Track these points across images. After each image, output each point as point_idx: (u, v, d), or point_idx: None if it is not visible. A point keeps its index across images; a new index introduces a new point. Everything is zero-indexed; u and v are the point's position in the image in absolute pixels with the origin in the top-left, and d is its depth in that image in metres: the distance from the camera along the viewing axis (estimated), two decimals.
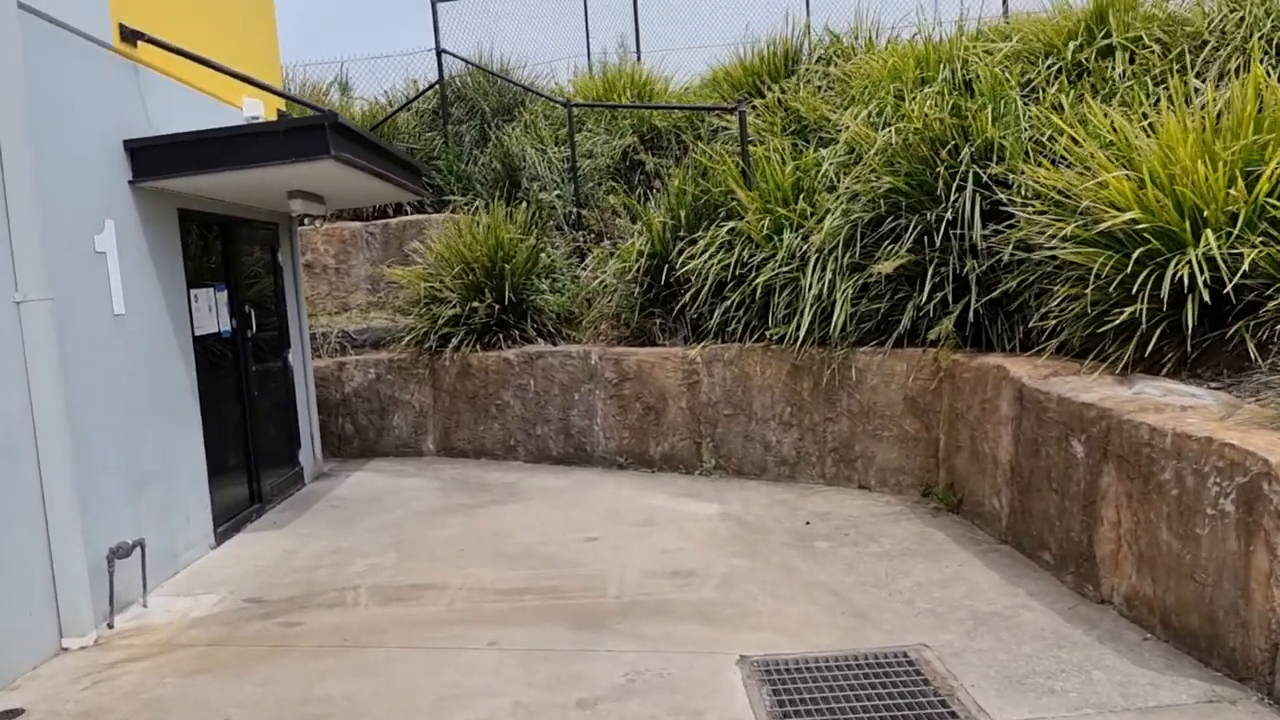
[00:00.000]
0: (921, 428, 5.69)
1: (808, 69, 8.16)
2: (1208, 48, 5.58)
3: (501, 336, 7.70)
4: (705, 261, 6.59)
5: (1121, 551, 3.84)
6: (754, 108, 7.75)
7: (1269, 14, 5.55)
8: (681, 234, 6.93)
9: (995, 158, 5.48)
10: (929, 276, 5.56)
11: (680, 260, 6.78)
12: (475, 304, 7.67)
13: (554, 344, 7.56)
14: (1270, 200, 4.09)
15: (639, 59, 11.25)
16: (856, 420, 5.96)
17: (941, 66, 6.70)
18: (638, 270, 6.99)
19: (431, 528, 5.78)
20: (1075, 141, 5.05)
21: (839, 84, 7.66)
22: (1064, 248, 4.63)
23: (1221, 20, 5.71)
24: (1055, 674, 3.42)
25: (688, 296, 6.71)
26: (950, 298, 5.51)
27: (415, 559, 5.19)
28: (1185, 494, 3.45)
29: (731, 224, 6.63)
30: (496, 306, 7.65)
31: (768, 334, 6.21)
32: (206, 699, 3.61)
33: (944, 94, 6.11)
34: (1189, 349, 4.29)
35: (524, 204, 8.48)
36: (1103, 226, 4.39)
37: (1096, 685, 3.31)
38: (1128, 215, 4.32)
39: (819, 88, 7.90)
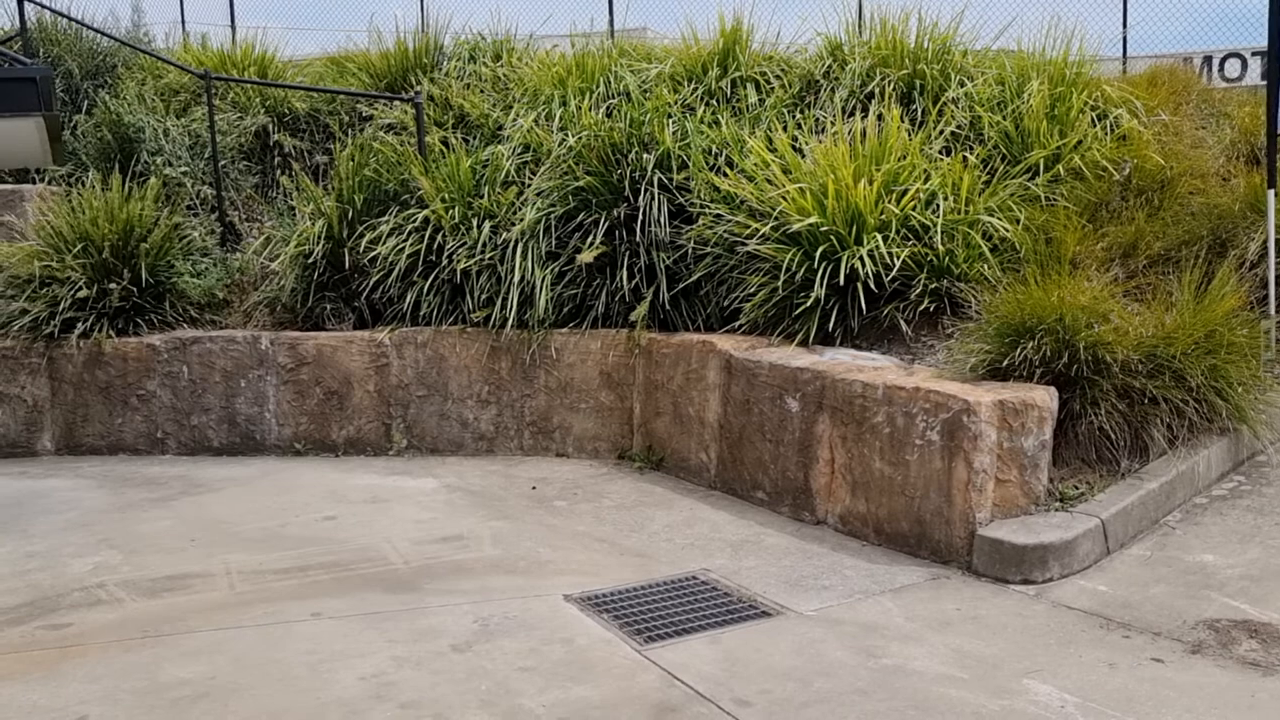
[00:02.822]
0: (616, 399, 6.44)
1: (458, 66, 8.53)
2: (822, 88, 6.99)
3: (141, 321, 7.09)
4: (394, 247, 6.74)
5: (835, 482, 4.91)
6: (430, 100, 7.95)
7: (856, 73, 7.04)
8: (362, 219, 6.98)
9: (677, 165, 6.39)
10: (622, 265, 6.33)
11: (364, 245, 6.84)
12: (110, 285, 6.98)
13: (209, 329, 7.14)
14: (912, 212, 5.44)
15: (233, 34, 10.72)
16: (555, 395, 6.55)
17: (598, 79, 7.52)
18: (317, 254, 6.90)
19: (134, 523, 5.32)
20: (743, 155, 6.14)
21: (493, 85, 8.16)
22: (754, 244, 5.64)
23: (827, 66, 7.18)
24: (819, 575, 4.34)
25: (372, 281, 6.79)
26: (643, 285, 6.32)
27: (145, 554, 4.81)
28: (896, 431, 4.57)
29: (419, 212, 6.84)
30: (134, 290, 7.04)
31: (470, 317, 6.56)
32: (36, 703, 3.24)
33: (621, 106, 6.92)
34: (854, 326, 5.51)
35: (148, 180, 7.81)
36: (794, 228, 5.47)
37: (851, 579, 4.29)
38: (812, 220, 5.45)
39: (467, 86, 8.31)
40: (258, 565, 4.60)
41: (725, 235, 5.93)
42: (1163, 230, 5.67)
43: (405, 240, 6.75)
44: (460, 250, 6.62)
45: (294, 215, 7.51)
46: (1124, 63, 9.79)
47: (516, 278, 6.41)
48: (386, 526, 5.18)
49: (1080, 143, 6.23)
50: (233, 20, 10.71)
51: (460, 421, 6.72)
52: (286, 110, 8.62)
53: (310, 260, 6.92)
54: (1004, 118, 6.36)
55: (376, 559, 4.68)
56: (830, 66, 7.23)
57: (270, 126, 8.51)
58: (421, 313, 6.75)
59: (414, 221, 6.81)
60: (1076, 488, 4.47)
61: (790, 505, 5.16)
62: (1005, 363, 4.63)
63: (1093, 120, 6.52)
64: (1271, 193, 5.38)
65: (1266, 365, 5.09)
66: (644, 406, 6.30)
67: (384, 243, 6.77)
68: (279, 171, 8.32)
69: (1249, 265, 5.43)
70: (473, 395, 6.68)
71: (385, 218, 6.93)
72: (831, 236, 5.46)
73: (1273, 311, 5.35)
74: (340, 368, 6.81)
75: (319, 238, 6.96)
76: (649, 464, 6.17)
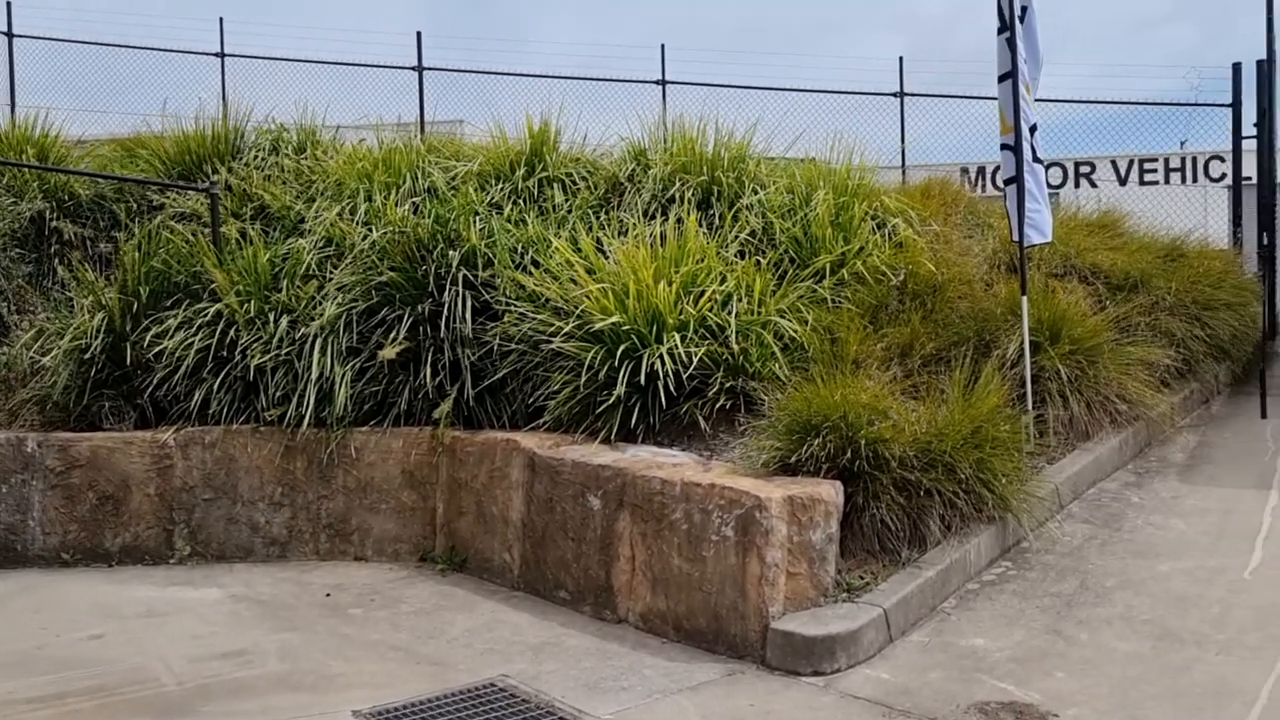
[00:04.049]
0: (419, 499, 6.28)
1: (260, 156, 8.33)
2: (626, 191, 7.23)
3: None
4: (182, 342, 6.43)
5: (636, 579, 4.93)
6: (228, 189, 7.69)
7: (658, 177, 7.33)
8: (148, 312, 6.64)
9: (483, 263, 6.43)
10: (426, 362, 6.26)
11: (149, 340, 6.49)
12: None
13: None
14: (709, 313, 5.66)
15: (12, 112, 10.12)
16: (354, 496, 6.33)
17: (404, 175, 7.53)
18: (96, 349, 6.49)
19: None
20: (548, 254, 6.26)
21: (296, 176, 8.01)
22: (559, 343, 5.71)
23: (631, 170, 7.45)
24: (618, 676, 4.33)
25: (157, 378, 6.44)
26: (447, 382, 6.26)
27: None
28: (694, 528, 4.66)
29: (211, 305, 6.57)
30: None
31: (264, 415, 6.29)
32: None
33: (428, 203, 6.93)
34: (654, 423, 5.63)
35: None
36: (597, 327, 5.57)
37: (650, 679, 4.29)
38: (614, 319, 5.58)
39: (268, 176, 8.13)
40: (6, 694, 4.17)
41: (530, 333, 5.97)
42: (935, 332, 6.10)
43: (195, 335, 6.45)
44: (255, 345, 6.38)
45: (71, 307, 7.05)
46: (903, 173, 10.62)
47: (315, 374, 6.22)
48: (162, 644, 4.82)
49: (862, 249, 6.67)
50: (12, 99, 10.11)
51: (250, 526, 6.38)
52: (68, 195, 8.16)
53: (88, 355, 6.50)
54: (794, 224, 6.74)
55: (148, 680, 4.34)
56: (634, 170, 7.49)
57: (48, 212, 8.02)
58: (211, 411, 6.42)
59: (205, 315, 6.53)
60: (862, 578, 4.67)
61: (592, 604, 5.14)
62: (795, 459, 4.83)
63: (874, 228, 7.01)
64: (1024, 298, 5.91)
65: (1027, 457, 5.51)
66: (447, 506, 6.18)
67: (171, 337, 6.45)
68: (57, 260, 7.82)
69: (1010, 364, 5.90)
70: (265, 498, 6.37)
71: (174, 311, 6.62)
72: (633, 335, 5.59)
73: (1030, 407, 5.82)
74: (117, 470, 6.37)
75: (98, 331, 6.56)
76: (452, 566, 6.03)
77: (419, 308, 6.36)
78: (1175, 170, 34.73)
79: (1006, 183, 5.95)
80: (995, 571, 5.01)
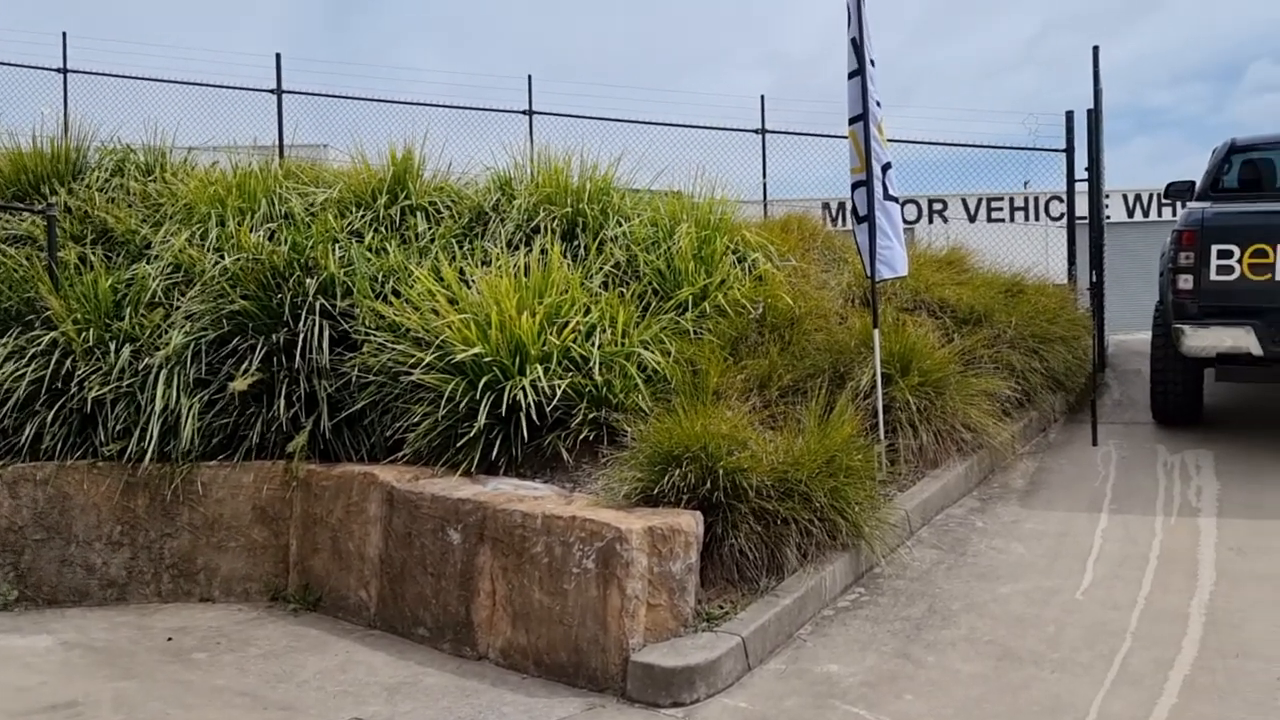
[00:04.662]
0: (271, 536, 6.05)
1: (103, 178, 7.94)
2: (491, 221, 7.20)
3: None
4: (12, 373, 6.05)
5: (497, 614, 4.87)
6: (67, 211, 7.28)
7: (523, 208, 7.33)
8: None
9: (341, 292, 6.27)
10: (280, 394, 6.05)
11: None
12: None
13: None
14: (573, 344, 5.66)
15: None
16: (200, 533, 6.05)
17: (260, 200, 7.30)
18: None
19: None
20: (410, 284, 6.16)
21: (142, 200, 7.67)
22: (420, 374, 5.62)
23: (496, 200, 7.42)
24: (476, 715, 4.25)
25: None
26: (303, 414, 6.06)
27: None
28: (555, 561, 4.63)
29: (46, 334, 6.21)
30: None
31: (102, 450, 5.96)
32: None
33: (283, 229, 6.73)
34: (517, 455, 5.58)
35: None
36: (459, 358, 5.51)
37: (509, 716, 4.23)
38: (476, 350, 5.52)
39: (112, 199, 7.76)
40: None
41: (390, 364, 5.85)
42: (793, 363, 6.27)
43: (26, 365, 6.08)
44: (94, 377, 6.06)
45: None
46: (765, 207, 10.92)
47: (159, 406, 5.94)
48: None
49: (724, 282, 6.81)
50: None
51: (86, 567, 6.01)
52: None
53: None
54: (658, 257, 6.83)
55: None
56: (499, 200, 7.47)
57: None
58: (44, 446, 6.06)
59: (39, 344, 6.17)
60: (721, 607, 4.72)
61: (452, 641, 5.04)
62: (656, 490, 4.86)
63: (735, 262, 7.17)
64: (876, 332, 6.13)
65: (879, 485, 5.69)
66: (301, 543, 5.97)
67: (0, 368, 6.05)
68: None
69: (863, 395, 6.10)
70: (102, 537, 6.02)
71: (3, 339, 6.22)
72: (495, 367, 5.55)
73: (882, 436, 6.03)
74: None
75: None
76: (305, 605, 5.82)
77: (273, 337, 6.16)
78: (1019, 209, 36.83)
79: (859, 220, 6.17)
80: (849, 598, 5.14)
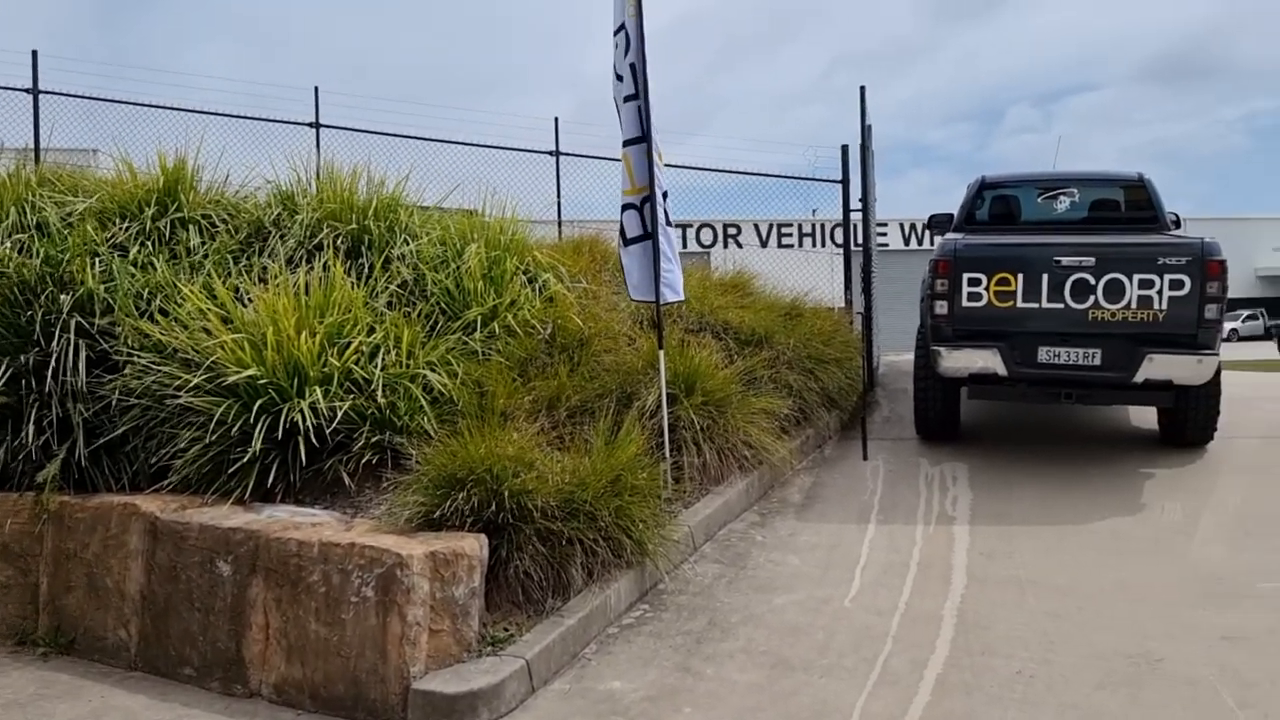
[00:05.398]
0: (18, 574, 5.55)
1: None
2: (271, 236, 6.91)
3: None
4: None
5: (270, 649, 4.65)
6: None
7: (305, 224, 7.08)
8: None
9: (101, 309, 5.86)
10: (29, 419, 5.58)
11: None
12: None
13: None
14: (355, 365, 5.51)
15: None
16: None
17: (8, 209, 6.72)
18: None
19: None
20: (179, 301, 5.83)
21: None
22: (188, 397, 5.31)
23: (277, 215, 7.13)
24: None
25: None
26: (55, 440, 5.61)
27: None
28: (332, 590, 4.48)
29: None
30: None
31: None
32: None
33: (34, 240, 6.22)
34: (295, 480, 5.37)
35: None
36: (231, 380, 5.25)
37: None
38: (250, 371, 5.28)
39: None
40: None
41: (155, 386, 5.50)
42: (582, 384, 6.34)
43: None
44: None
45: None
46: (559, 228, 11.00)
47: None
48: None
49: (514, 302, 6.81)
50: None
51: None
52: None
53: None
54: (446, 276, 6.76)
55: None
56: (280, 215, 7.18)
57: None
58: None
59: None
60: (506, 630, 4.70)
61: (221, 679, 4.77)
62: (439, 514, 4.80)
63: (525, 282, 7.19)
64: (662, 353, 6.29)
65: (664, 503, 5.84)
66: (53, 581, 5.50)
67: None
68: None
69: (649, 415, 6.25)
70: None
71: None
72: (271, 389, 5.32)
73: (667, 455, 6.18)
74: None
75: None
76: (57, 648, 5.36)
77: (22, 358, 5.69)
78: (807, 235, 38.73)
79: (631, 242, 6.28)
80: (634, 615, 5.23)
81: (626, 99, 6.10)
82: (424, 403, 5.60)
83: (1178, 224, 8.55)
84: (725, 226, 37.55)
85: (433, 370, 5.84)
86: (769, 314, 8.53)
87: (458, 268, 6.83)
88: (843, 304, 11.14)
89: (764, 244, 36.03)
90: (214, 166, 7.65)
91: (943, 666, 4.56)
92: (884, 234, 41.93)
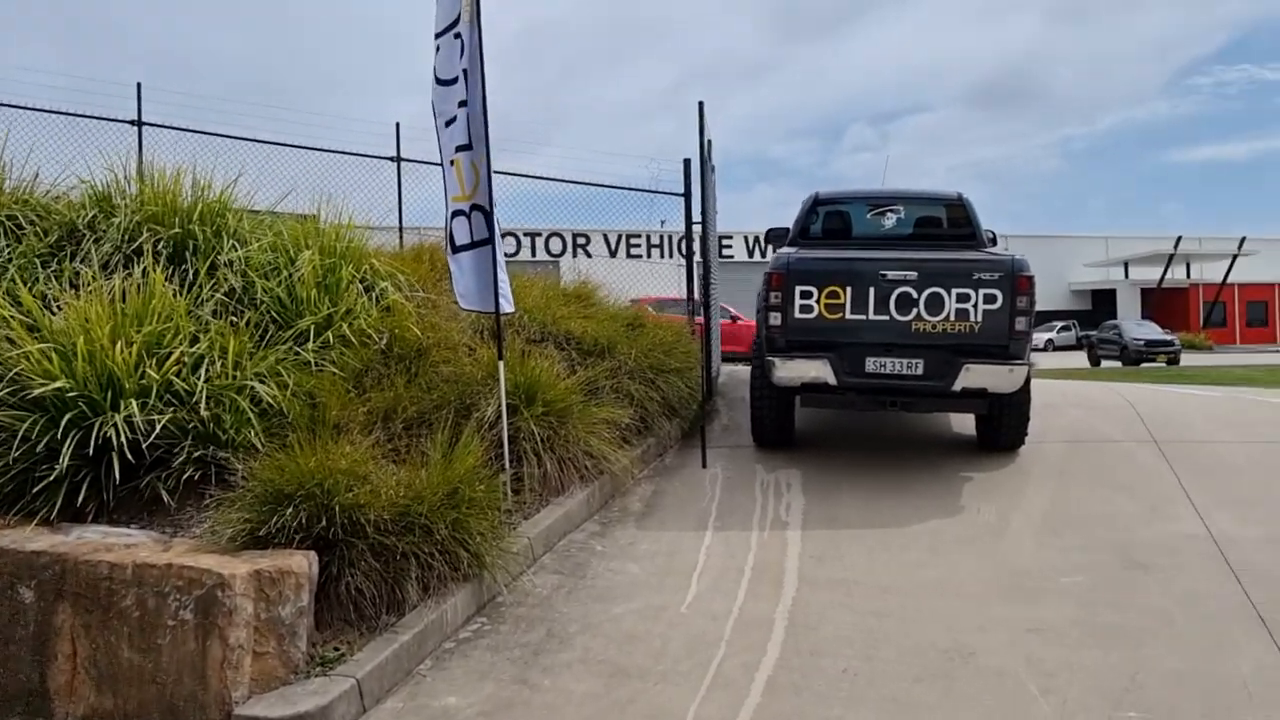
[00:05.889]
0: None
1: None
2: (85, 240, 6.51)
3: None
4: None
5: (78, 679, 4.37)
6: None
7: (123, 227, 6.71)
8: None
9: None
10: None
11: None
12: None
13: None
14: (176, 377, 5.26)
15: None
16: None
17: None
18: None
19: None
20: None
21: None
22: None
23: (92, 217, 6.73)
24: None
25: None
26: None
27: None
28: (148, 614, 4.26)
29: None
30: None
31: None
32: None
33: None
34: (109, 498, 5.08)
35: None
36: (38, 393, 4.92)
37: None
38: (58, 384, 4.96)
39: None
40: None
41: None
42: (420, 395, 6.24)
43: None
44: None
45: None
46: (400, 236, 10.79)
47: None
48: None
49: (349, 311, 6.64)
50: None
51: None
52: None
53: None
54: (277, 284, 6.53)
55: None
56: (95, 218, 6.78)
57: None
58: None
59: None
60: (337, 649, 4.57)
61: (23, 713, 4.45)
62: (265, 531, 4.63)
63: (362, 290, 7.02)
64: (501, 363, 6.26)
65: (504, 515, 5.80)
66: None
67: None
68: None
69: (489, 426, 6.20)
70: None
71: None
72: (82, 402, 5.02)
73: (507, 466, 6.15)
74: None
75: None
76: None
77: None
78: (656, 246, 39.22)
79: (460, 249, 6.21)
80: (472, 628, 5.18)
81: (460, 104, 6.03)
82: (251, 415, 5.39)
83: (994, 241, 9.09)
84: (575, 236, 37.69)
85: (262, 382, 5.63)
86: (612, 324, 8.61)
87: (290, 275, 6.62)
88: (686, 314, 11.33)
89: (613, 254, 36.34)
90: (22, 164, 7.18)
91: (774, 668, 4.70)
92: (729, 246, 43.09)
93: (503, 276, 6.18)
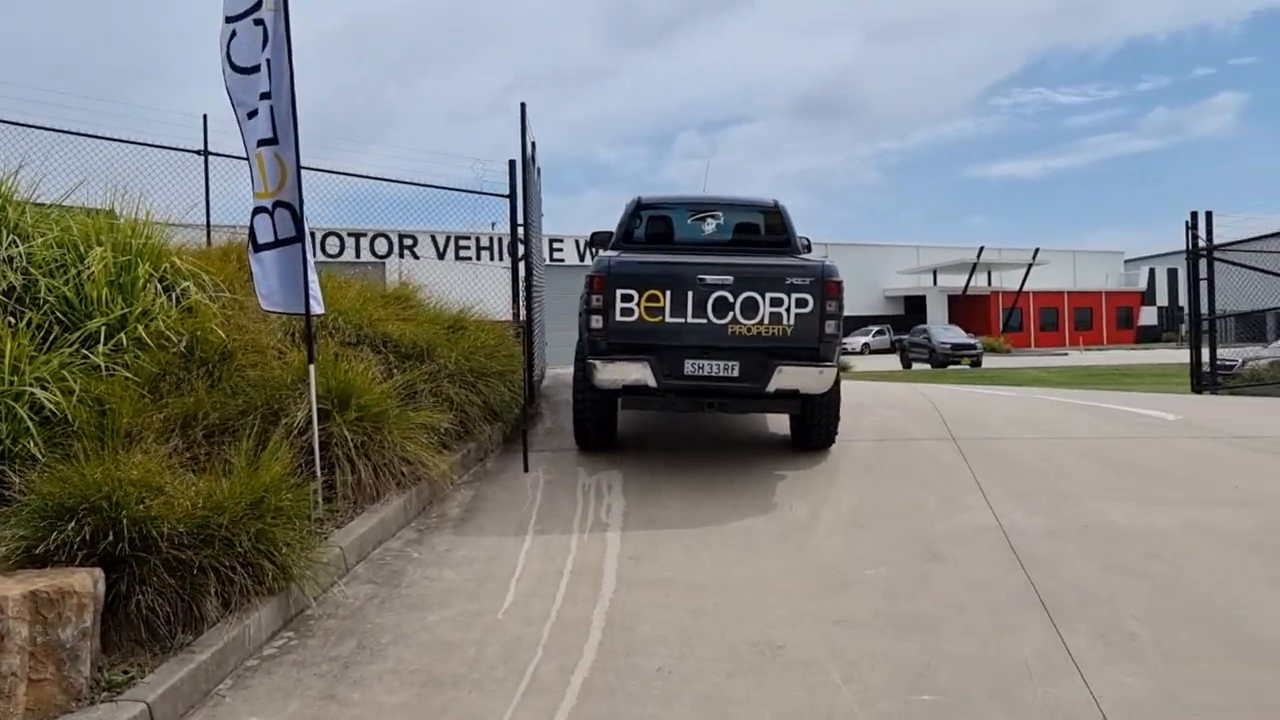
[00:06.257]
0: None
1: None
2: None
3: None
4: None
5: None
6: None
7: None
8: None
9: None
10: None
11: None
12: None
13: None
14: None
15: None
16: None
17: None
18: None
19: None
20: None
21: None
22: None
23: None
24: None
25: None
26: None
27: None
28: None
29: None
30: None
31: None
32: None
33: None
34: None
35: None
36: None
37: None
38: None
39: None
40: None
41: None
42: (224, 401, 5.94)
43: None
44: None
45: None
46: (208, 234, 10.25)
47: None
48: None
49: (146, 312, 6.26)
50: None
51: None
52: None
53: None
54: (64, 282, 6.09)
55: None
56: None
57: None
58: None
59: None
60: (127, 672, 4.28)
61: None
62: (44, 548, 4.31)
63: (161, 290, 6.63)
64: (312, 367, 6.04)
65: (314, 524, 5.59)
66: None
67: None
68: None
69: (299, 432, 5.97)
70: None
71: None
72: None
73: (318, 473, 5.94)
74: None
75: None
76: None
77: None
78: (485, 248, 38.82)
79: (263, 248, 5.96)
80: (277, 644, 4.96)
81: (262, 96, 5.77)
82: (30, 424, 5.00)
83: (809, 248, 9.44)
84: (401, 237, 36.78)
85: (43, 387, 5.23)
86: (432, 327, 8.45)
87: (79, 273, 6.17)
88: (511, 317, 11.26)
89: (441, 256, 35.69)
90: None
91: (589, 671, 4.71)
92: (560, 249, 43.13)
93: (313, 277, 5.95)
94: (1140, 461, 8.37)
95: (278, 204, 5.81)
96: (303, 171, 6.03)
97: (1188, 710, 4.22)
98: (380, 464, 6.41)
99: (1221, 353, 17.15)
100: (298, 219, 5.86)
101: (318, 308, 6.15)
